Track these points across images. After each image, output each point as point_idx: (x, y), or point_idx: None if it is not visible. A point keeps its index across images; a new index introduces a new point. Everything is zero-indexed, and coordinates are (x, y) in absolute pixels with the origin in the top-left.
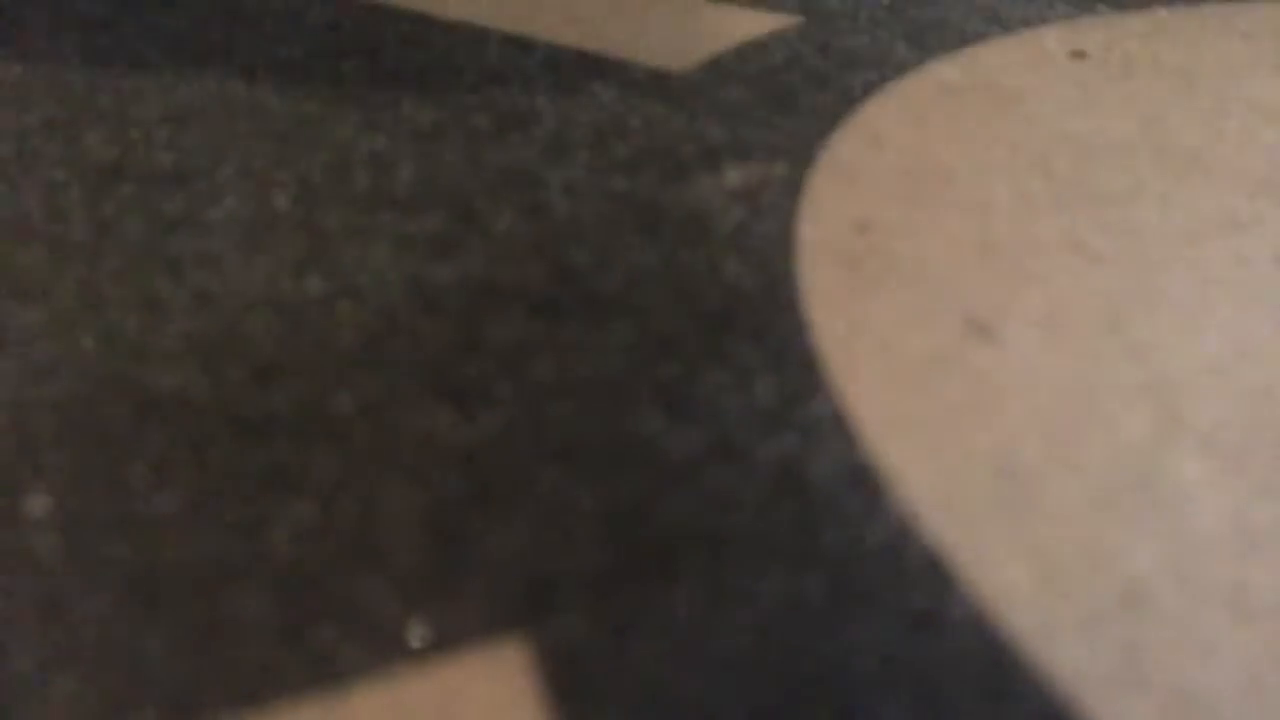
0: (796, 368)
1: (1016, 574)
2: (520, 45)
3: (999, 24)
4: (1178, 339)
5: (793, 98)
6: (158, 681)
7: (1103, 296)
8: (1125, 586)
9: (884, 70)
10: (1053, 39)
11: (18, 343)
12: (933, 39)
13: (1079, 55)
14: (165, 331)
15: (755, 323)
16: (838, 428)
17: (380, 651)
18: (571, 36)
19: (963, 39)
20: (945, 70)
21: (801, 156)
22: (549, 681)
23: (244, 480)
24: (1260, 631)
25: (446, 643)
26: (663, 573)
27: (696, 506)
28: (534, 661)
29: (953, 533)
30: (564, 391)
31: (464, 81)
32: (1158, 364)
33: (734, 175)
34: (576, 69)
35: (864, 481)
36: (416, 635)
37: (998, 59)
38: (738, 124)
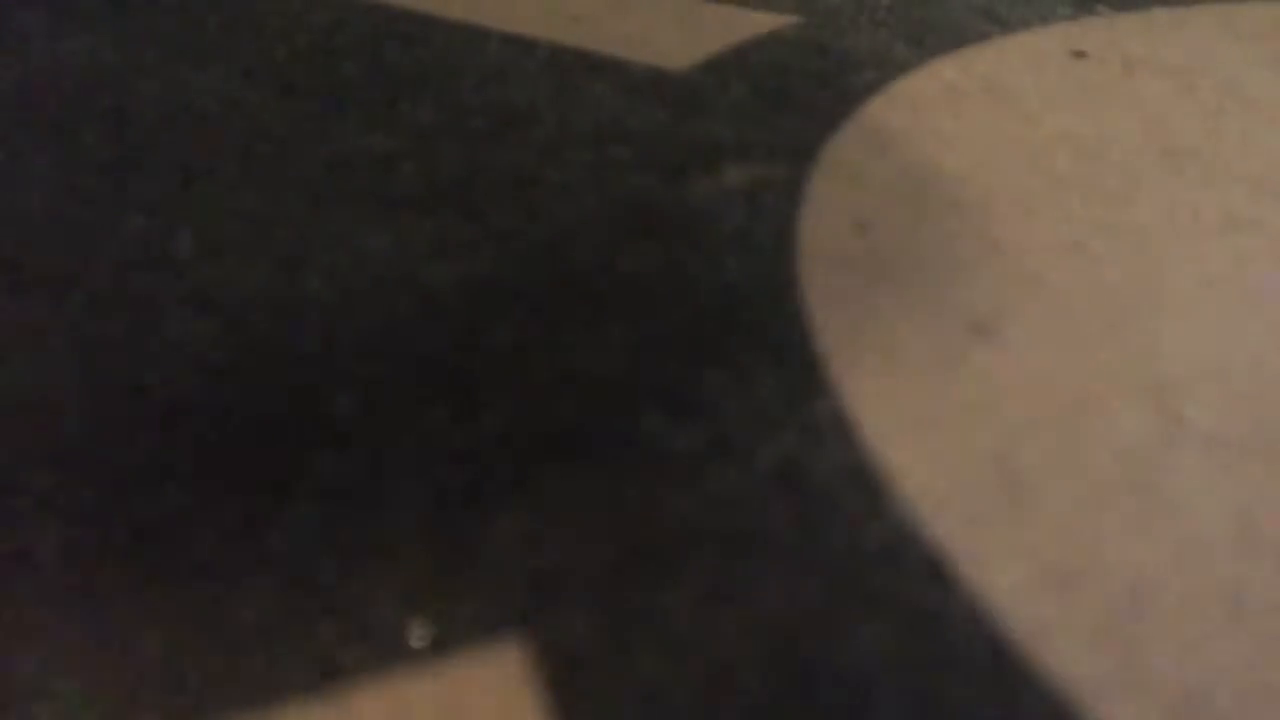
0: (797, 368)
1: (1016, 574)
2: (520, 45)
3: (999, 24)
4: (1178, 339)
5: (793, 98)
6: (158, 681)
7: (1103, 296)
8: (1125, 586)
9: (884, 70)
10: (1053, 39)
11: (24, 341)
12: (933, 39)
13: (1079, 55)
14: (166, 330)
15: (755, 323)
16: (838, 428)
17: (380, 651)
18: (571, 37)
19: (963, 39)
20: (945, 70)
21: (801, 156)
22: (549, 681)
23: (244, 480)
24: (1259, 631)
25: (446, 643)
26: (663, 573)
27: (697, 506)
28: (534, 661)
29: (953, 533)
30: (564, 391)
31: (464, 81)
32: (1158, 364)
33: (734, 175)
34: (576, 69)
35: (864, 481)
36: (416, 635)
37: (998, 59)
38: (738, 124)
